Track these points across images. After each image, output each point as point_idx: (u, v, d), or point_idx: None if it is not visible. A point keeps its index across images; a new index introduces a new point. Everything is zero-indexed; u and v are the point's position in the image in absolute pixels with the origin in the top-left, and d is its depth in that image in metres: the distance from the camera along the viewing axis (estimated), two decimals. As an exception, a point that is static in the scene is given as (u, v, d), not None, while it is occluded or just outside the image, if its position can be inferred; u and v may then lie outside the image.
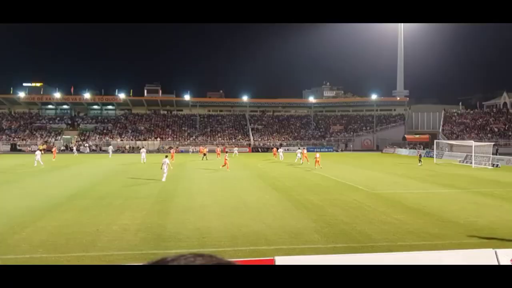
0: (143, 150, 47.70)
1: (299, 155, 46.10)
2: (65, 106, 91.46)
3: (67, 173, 34.12)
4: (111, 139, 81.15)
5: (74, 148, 68.39)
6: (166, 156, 29.95)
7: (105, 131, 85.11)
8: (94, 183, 26.77)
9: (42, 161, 40.42)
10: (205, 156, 50.95)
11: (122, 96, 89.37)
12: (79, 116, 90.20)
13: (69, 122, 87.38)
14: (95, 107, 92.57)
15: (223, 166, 35.64)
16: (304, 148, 49.91)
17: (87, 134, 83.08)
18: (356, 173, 33.89)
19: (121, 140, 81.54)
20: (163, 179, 27.26)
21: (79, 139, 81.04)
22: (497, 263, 7.73)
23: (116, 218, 15.65)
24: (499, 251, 7.99)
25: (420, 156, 45.78)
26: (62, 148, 76.04)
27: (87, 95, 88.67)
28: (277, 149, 56.32)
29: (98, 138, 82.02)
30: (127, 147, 77.60)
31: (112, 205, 18.35)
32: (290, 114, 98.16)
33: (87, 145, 75.90)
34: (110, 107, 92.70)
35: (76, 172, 34.44)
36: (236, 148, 66.30)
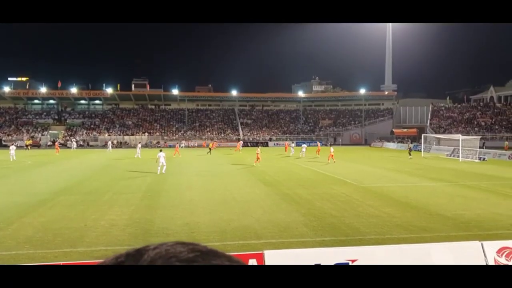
0: (139, 145, 48.54)
1: (303, 149, 45.76)
2: (51, 101, 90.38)
3: (55, 168, 33.76)
4: (99, 134, 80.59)
5: (74, 143, 68.16)
6: (161, 150, 30.83)
7: (92, 126, 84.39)
8: (82, 178, 26.53)
9: (15, 156, 41.43)
10: (210, 151, 51.83)
11: (109, 90, 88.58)
12: (66, 111, 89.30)
13: (56, 117, 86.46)
14: (82, 102, 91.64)
15: (256, 161, 35.25)
16: (317, 142, 50.52)
17: (74, 129, 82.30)
18: (345, 167, 34.03)
19: (109, 135, 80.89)
20: (163, 171, 28.30)
21: (66, 134, 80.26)
22: (483, 255, 7.82)
23: (104, 213, 15.53)
24: (485, 243, 8.08)
25: (410, 149, 47.16)
26: (49, 143, 75.27)
27: (74, 90, 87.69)
28: (289, 144, 56.31)
29: (86, 133, 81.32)
30: (114, 142, 77.07)
31: (100, 200, 18.21)
32: (280, 108, 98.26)
33: (74, 140, 75.11)
34: (97, 101, 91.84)
35: (65, 168, 34.10)
36: (241, 142, 66.96)
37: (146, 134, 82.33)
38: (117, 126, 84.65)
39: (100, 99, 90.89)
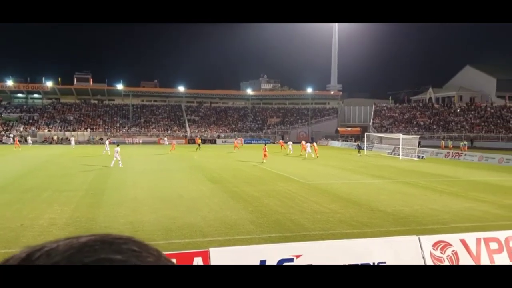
0: (107, 142, 47.76)
1: (309, 149, 43.61)
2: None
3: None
4: (38, 130, 76.88)
5: (29, 139, 65.10)
6: (118, 145, 32.77)
7: (31, 121, 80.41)
8: (19, 175, 25.21)
9: None
10: (199, 147, 52.84)
11: (49, 84, 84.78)
12: (1, 105, 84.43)
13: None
14: (20, 95, 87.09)
15: (264, 158, 35.26)
16: (314, 142, 50.08)
17: (11, 124, 78.02)
18: (292, 164, 34.52)
19: (49, 130, 77.42)
20: (120, 165, 29.90)
21: (2, 129, 75.94)
22: (420, 249, 8.17)
23: (43, 212, 14.82)
24: (422, 237, 8.44)
25: (360, 147, 49.09)
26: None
27: (10, 83, 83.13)
28: (285, 142, 55.71)
29: (24, 128, 77.31)
30: (54, 137, 73.87)
31: (38, 199, 17.38)
32: (228, 105, 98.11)
33: (11, 135, 71.15)
34: (36, 95, 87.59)
35: (2, 164, 32.30)
36: (241, 139, 66.35)
37: (89, 130, 79.54)
38: (58, 121, 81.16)
39: (39, 93, 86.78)
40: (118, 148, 31.45)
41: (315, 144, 42.36)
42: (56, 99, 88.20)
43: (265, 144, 40.44)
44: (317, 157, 40.18)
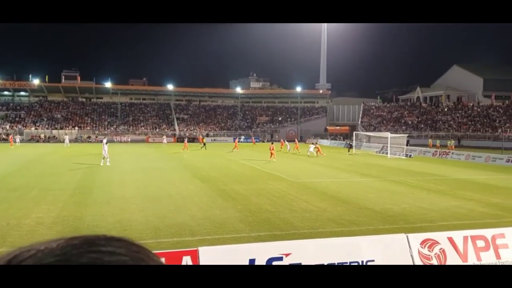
0: (104, 141, 47.33)
1: (311, 149, 43.18)
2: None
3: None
4: (24, 128, 75.96)
5: (18, 137, 64.03)
6: (106, 143, 33.08)
7: (17, 119, 79.39)
8: (6, 174, 24.89)
9: None
10: (204, 146, 52.38)
11: (36, 82, 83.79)
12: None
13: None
14: (6, 93, 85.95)
15: (271, 157, 35.53)
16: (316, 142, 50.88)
17: (-3, 122, 77.05)
18: (281, 163, 34.55)
19: (36, 128, 76.53)
20: (108, 163, 30.12)
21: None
22: (408, 247, 8.24)
23: (30, 211, 14.65)
24: (410, 235, 8.51)
25: (351, 146, 49.92)
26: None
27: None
28: (284, 141, 55.78)
29: (10, 126, 76.31)
30: (41, 136, 73.04)
31: (25, 197, 17.18)
32: (217, 104, 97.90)
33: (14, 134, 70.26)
34: (23, 93, 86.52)
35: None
36: (238, 138, 66.18)
37: (76, 128, 78.80)
38: (45, 119, 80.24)
39: (26, 91, 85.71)
40: (106, 146, 31.68)
41: (318, 145, 43.94)
42: (43, 97, 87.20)
43: (272, 143, 40.37)
44: (317, 156, 40.98)
